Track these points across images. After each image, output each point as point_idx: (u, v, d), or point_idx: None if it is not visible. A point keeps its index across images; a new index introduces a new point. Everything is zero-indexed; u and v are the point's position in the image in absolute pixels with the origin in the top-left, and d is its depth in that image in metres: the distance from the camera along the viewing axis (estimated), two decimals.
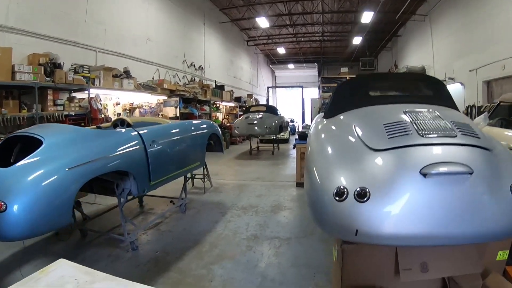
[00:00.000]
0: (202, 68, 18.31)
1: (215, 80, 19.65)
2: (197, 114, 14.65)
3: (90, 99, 8.96)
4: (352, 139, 3.23)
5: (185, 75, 16.34)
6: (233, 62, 24.32)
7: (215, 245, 5.08)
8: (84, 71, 9.06)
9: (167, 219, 6.29)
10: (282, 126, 15.44)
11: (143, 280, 4.01)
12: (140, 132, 4.73)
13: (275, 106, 17.10)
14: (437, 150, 2.76)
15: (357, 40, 24.24)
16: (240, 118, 15.32)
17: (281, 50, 28.42)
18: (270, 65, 35.96)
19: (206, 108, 16.29)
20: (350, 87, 4.78)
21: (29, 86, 7.19)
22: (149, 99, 12.60)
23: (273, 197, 7.66)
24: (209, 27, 19.74)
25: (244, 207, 6.93)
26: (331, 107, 4.42)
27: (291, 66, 34.64)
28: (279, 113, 15.92)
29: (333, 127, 3.84)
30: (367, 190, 2.54)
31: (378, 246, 3.06)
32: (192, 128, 6.37)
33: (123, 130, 4.88)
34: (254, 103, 22.69)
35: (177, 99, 13.41)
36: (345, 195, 2.58)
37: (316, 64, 34.04)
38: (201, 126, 6.83)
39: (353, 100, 4.15)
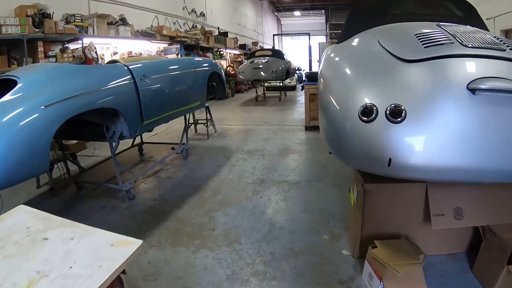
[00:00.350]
0: (204, 14, 17.39)
1: (218, 27, 18.71)
2: None
3: (83, 48, 8.38)
4: (377, 52, 2.64)
5: (186, 22, 15.51)
6: (237, 9, 23.22)
7: (218, 191, 4.63)
8: (76, 20, 8.40)
9: (167, 166, 5.85)
10: (289, 71, 14.72)
11: (136, 231, 3.62)
12: (130, 66, 4.17)
13: (281, 50, 16.20)
14: (486, 63, 2.18)
15: None
16: (245, 63, 14.61)
17: None
18: (276, 13, 34.55)
19: (209, 55, 15.53)
20: (369, 6, 4.13)
21: (17, 39, 6.62)
22: (148, 47, 11.94)
23: (281, 141, 7.17)
24: None
25: (250, 151, 6.45)
26: (346, 29, 3.87)
27: (297, 13, 33.20)
28: (285, 58, 15.16)
29: (351, 46, 3.27)
30: (402, 107, 1.99)
31: (406, 187, 2.58)
32: (191, 65, 5.75)
33: (110, 65, 4.38)
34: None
35: (178, 46, 12.75)
36: (374, 114, 2.05)
37: (323, 11, 32.69)
38: (201, 64, 6.22)
39: (373, 18, 3.55)
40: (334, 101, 2.47)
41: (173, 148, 6.32)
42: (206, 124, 7.71)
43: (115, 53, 10.37)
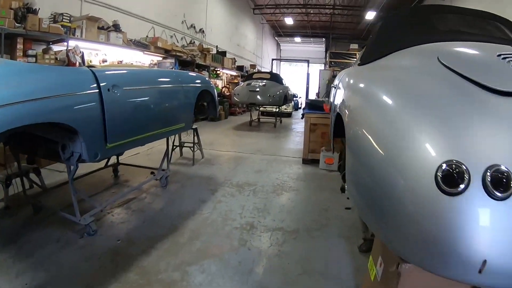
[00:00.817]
0: (203, 31, 16.72)
1: (217, 46, 18.03)
2: None
3: (67, 51, 7.58)
4: (444, 77, 1.82)
5: (184, 37, 14.81)
6: (238, 29, 22.63)
7: (197, 235, 3.74)
8: (64, 20, 7.64)
9: (143, 194, 4.96)
10: (287, 97, 14.00)
11: (89, 282, 2.78)
12: (96, 72, 3.22)
13: (280, 74, 15.57)
14: None
15: (370, 15, 22.61)
16: (241, 85, 13.91)
17: (289, 21, 26.49)
18: (276, 37, 34.21)
19: (205, 73, 14.78)
20: (407, 19, 3.24)
21: None
22: (141, 59, 11.15)
23: (276, 174, 6.31)
24: None
25: (240, 184, 5.56)
26: (377, 45, 3.06)
27: (297, 39, 32.90)
28: (284, 83, 14.51)
29: (396, 69, 2.40)
30: (510, 172, 1.17)
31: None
32: (179, 79, 4.82)
33: (70, 68, 3.54)
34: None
35: (173, 60, 12.01)
36: (464, 183, 1.19)
37: (324, 39, 32.39)
38: (191, 79, 5.33)
39: (414, 34, 2.76)
40: (383, 151, 1.58)
41: (152, 173, 5.46)
42: (192, 148, 6.84)
43: (104, 61, 9.58)
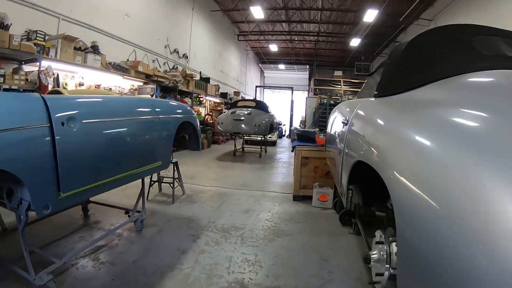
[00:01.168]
0: (187, 56, 16.26)
1: (200, 72, 17.56)
2: None
3: (39, 72, 6.93)
4: None
5: (167, 62, 14.30)
6: (222, 55, 22.23)
7: None
8: (38, 38, 7.03)
9: (114, 240, 4.23)
10: (273, 125, 13.50)
11: None
12: (48, 100, 2.46)
13: (265, 102, 15.03)
14: None
15: (354, 42, 22.44)
16: (225, 113, 13.33)
17: (273, 47, 26.34)
18: (260, 64, 34.03)
19: (188, 100, 14.20)
20: (443, 40, 2.57)
21: None
22: (121, 83, 10.54)
23: (265, 214, 5.62)
24: (198, 13, 17.65)
25: (225, 228, 4.85)
26: (402, 71, 2.49)
27: (281, 66, 32.76)
28: (269, 111, 13.93)
29: (445, 104, 1.77)
30: None
31: None
32: (156, 108, 4.08)
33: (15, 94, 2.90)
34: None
35: (154, 86, 11.41)
36: None
37: (307, 66, 32.31)
38: (170, 109, 4.64)
39: (455, 59, 2.17)
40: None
41: (127, 214, 4.77)
42: (172, 185, 6.12)
43: (81, 84, 8.96)
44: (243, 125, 11.72)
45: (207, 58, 19.38)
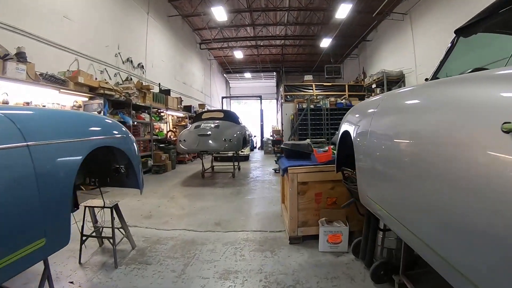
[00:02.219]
0: (143, 66, 14.19)
1: (159, 84, 15.56)
2: (130, 123, 10.63)
3: None
4: None
5: (119, 73, 12.21)
6: (183, 66, 20.21)
7: None
8: None
9: None
10: (246, 138, 11.58)
11: None
12: None
13: (235, 112, 13.31)
14: None
15: (324, 43, 20.86)
16: (188, 128, 11.27)
17: (238, 55, 24.55)
18: (225, 74, 32.03)
19: (145, 116, 12.24)
20: None
21: None
22: (60, 99, 8.46)
23: (255, 280, 3.58)
24: (155, 19, 15.69)
25: None
26: None
27: (247, 75, 30.90)
28: (240, 122, 12.08)
29: None
30: None
31: None
32: (20, 128, 1.99)
33: None
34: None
35: (102, 101, 9.40)
36: None
37: (274, 73, 30.68)
38: (62, 127, 2.46)
39: None
40: None
41: None
42: (111, 241, 3.98)
43: (5, 102, 6.92)
44: (210, 141, 9.74)
45: (166, 68, 17.35)
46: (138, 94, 11.57)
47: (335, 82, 22.26)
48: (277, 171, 11.75)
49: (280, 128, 24.42)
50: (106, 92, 9.49)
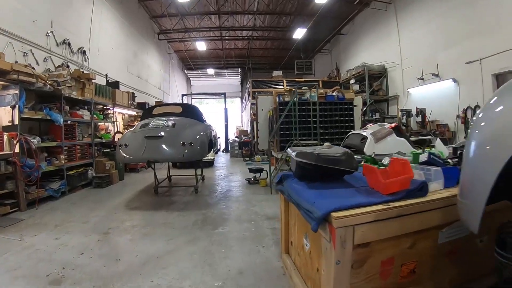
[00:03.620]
0: (85, 52, 11.34)
1: (106, 74, 12.70)
2: (60, 122, 7.94)
3: None
4: None
5: (50, 57, 9.42)
6: (138, 57, 17.28)
7: None
8: None
9: None
10: (212, 141, 9.00)
11: None
12: None
13: (197, 107, 10.30)
14: None
15: (298, 33, 18.52)
16: (133, 128, 8.23)
17: (201, 46, 21.68)
18: (186, 71, 29.01)
19: (85, 113, 9.51)
20: None
21: None
22: None
23: None
24: None
25: None
26: None
27: (210, 71, 28.01)
28: (204, 119, 9.39)
29: None
30: None
31: None
32: None
33: None
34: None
35: (17, 91, 6.72)
36: None
37: (239, 70, 28.11)
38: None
39: None
40: None
41: None
42: None
43: None
44: (163, 146, 6.98)
45: (116, 57, 14.42)
46: (74, 84, 8.84)
47: (307, 78, 20.07)
48: (251, 181, 9.32)
49: (245, 129, 22.06)
50: (22, 78, 6.77)
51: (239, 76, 29.46)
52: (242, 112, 29.23)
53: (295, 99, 8.50)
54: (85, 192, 8.43)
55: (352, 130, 9.00)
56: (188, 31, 20.14)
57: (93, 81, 10.01)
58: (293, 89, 9.06)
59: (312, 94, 9.01)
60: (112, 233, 5.17)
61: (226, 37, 21.72)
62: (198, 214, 6.15)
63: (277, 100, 9.35)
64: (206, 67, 27.75)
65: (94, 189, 8.85)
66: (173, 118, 8.11)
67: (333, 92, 9.69)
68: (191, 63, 27.32)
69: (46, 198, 7.38)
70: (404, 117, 12.71)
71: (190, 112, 8.93)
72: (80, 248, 4.46)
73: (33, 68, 7.61)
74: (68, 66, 9.97)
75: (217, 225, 5.47)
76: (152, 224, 5.59)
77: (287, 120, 8.48)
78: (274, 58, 26.20)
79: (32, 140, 7.00)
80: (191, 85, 31.95)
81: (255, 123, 16.91)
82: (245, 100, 25.20)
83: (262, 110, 9.83)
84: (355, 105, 9.66)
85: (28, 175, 6.79)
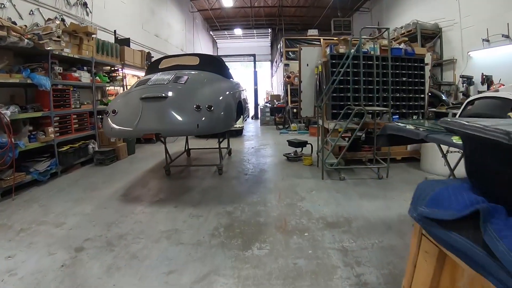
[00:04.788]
0: (86, 5, 9.33)
1: (115, 31, 10.69)
2: (47, 86, 6.07)
3: None
4: None
5: (38, 9, 7.50)
6: (155, 13, 15.08)
7: None
8: None
9: None
10: (242, 105, 6.85)
11: None
12: None
13: (221, 59, 7.38)
14: None
15: None
16: (129, 89, 6.20)
17: (227, 1, 18.96)
18: (211, 32, 26.73)
19: (83, 75, 7.59)
20: None
21: None
22: None
23: None
24: None
25: None
26: None
27: (238, 32, 25.44)
28: (230, 76, 7.14)
29: None
30: None
31: None
32: None
33: None
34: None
35: None
36: None
37: (269, 30, 25.68)
38: None
39: None
40: None
41: None
42: None
43: None
44: (169, 112, 4.75)
45: (129, 13, 12.29)
46: (67, 40, 7.01)
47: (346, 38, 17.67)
48: (290, 157, 7.36)
49: (276, 93, 19.94)
50: None
51: (269, 38, 27.07)
52: (272, 76, 26.97)
53: (353, 51, 6.23)
54: (82, 172, 6.68)
55: (422, 94, 6.88)
56: None
57: (95, 36, 8.13)
58: (350, 39, 6.77)
59: (374, 46, 6.70)
60: (86, 251, 3.29)
61: None
62: (221, 214, 4.19)
63: (328, 51, 7.13)
64: (233, 27, 25.31)
65: (94, 168, 7.08)
66: (187, 72, 5.81)
67: (400, 45, 7.42)
68: (217, 24, 25.02)
69: (31, 183, 5.63)
70: (465, 84, 10.36)
71: (211, 65, 6.54)
72: (30, 282, 2.67)
73: (13, 22, 5.81)
74: (63, 21, 8.11)
75: (250, 240, 3.48)
76: (149, 233, 3.69)
77: (340, 78, 6.21)
78: (307, 18, 23.61)
79: (3, 112, 5.21)
80: (217, 47, 29.69)
81: (288, 86, 14.95)
82: (276, 62, 22.95)
83: (308, 65, 7.50)
84: (427, 63, 7.31)
85: (1, 156, 5.03)
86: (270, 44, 28.50)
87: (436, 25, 12.60)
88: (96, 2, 9.88)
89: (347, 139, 6.11)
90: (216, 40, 28.69)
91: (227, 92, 5.63)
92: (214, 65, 6.60)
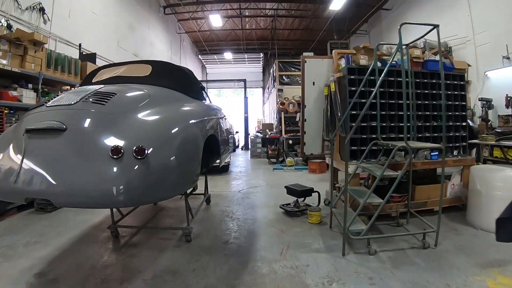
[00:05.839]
0: (43, 10, 7.74)
1: (80, 45, 8.96)
2: None
3: None
4: None
5: None
6: (136, 30, 13.57)
7: None
8: None
9: None
10: (219, 139, 4.72)
11: None
12: None
13: (189, 72, 4.97)
14: None
15: (336, 4, 14.62)
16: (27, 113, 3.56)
17: (216, 21, 17.06)
18: (200, 56, 25.29)
19: (25, 94, 5.94)
20: None
21: None
22: None
23: None
24: None
25: None
26: None
27: (228, 55, 23.79)
28: (203, 98, 5.05)
29: None
30: None
31: None
32: None
33: None
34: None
35: None
36: None
37: (261, 55, 24.35)
38: None
39: None
40: None
41: None
42: None
43: None
44: (68, 158, 2.59)
45: (101, 26, 10.71)
46: (4, 47, 5.45)
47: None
48: (290, 210, 5.42)
49: (268, 122, 18.33)
50: None
51: (261, 63, 25.74)
52: (264, 103, 25.46)
53: (379, 63, 4.45)
54: (13, 222, 5.07)
55: (463, 122, 5.36)
56: (201, 3, 16.51)
57: (46, 47, 6.53)
58: (375, 48, 4.84)
59: (404, 57, 4.71)
60: None
61: (247, 11, 18.00)
62: None
63: (343, 64, 5.25)
64: (223, 51, 23.82)
65: (32, 216, 5.43)
66: (124, 86, 3.76)
67: (435, 56, 5.70)
68: (206, 47, 23.57)
69: None
70: (484, 108, 8.83)
71: (168, 77, 4.42)
72: None
73: None
74: (9, 27, 6.52)
75: None
76: None
77: (361, 101, 4.45)
78: (301, 42, 22.46)
79: None
80: (206, 73, 28.19)
81: (282, 113, 13.16)
82: (268, 88, 21.50)
83: (314, 84, 5.63)
84: (468, 81, 5.60)
85: None
86: (262, 70, 27.26)
87: (445, 44, 11.20)
88: (58, 9, 8.33)
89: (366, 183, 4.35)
90: (205, 65, 27.20)
91: (191, 121, 3.59)
92: (174, 77, 4.51)
